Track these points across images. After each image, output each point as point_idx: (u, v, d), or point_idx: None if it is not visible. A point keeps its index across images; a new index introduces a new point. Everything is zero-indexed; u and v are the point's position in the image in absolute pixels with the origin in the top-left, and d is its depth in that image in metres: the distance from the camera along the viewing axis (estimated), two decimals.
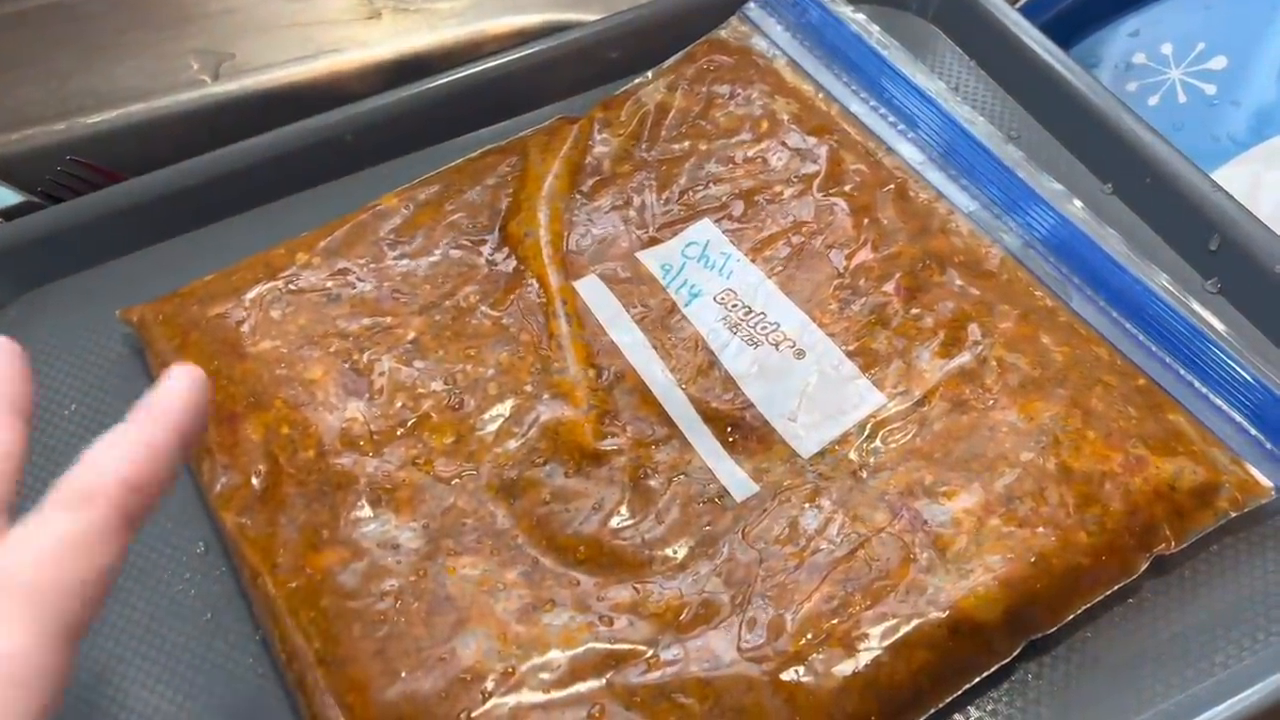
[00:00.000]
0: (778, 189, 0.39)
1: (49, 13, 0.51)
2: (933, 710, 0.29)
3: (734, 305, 0.36)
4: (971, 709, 0.30)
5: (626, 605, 0.30)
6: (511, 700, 0.28)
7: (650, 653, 0.29)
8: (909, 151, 0.40)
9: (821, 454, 0.33)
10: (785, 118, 0.41)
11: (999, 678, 0.30)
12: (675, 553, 0.31)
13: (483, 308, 0.36)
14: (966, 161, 0.39)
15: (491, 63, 0.43)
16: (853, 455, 0.33)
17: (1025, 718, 0.30)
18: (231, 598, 0.33)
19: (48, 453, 0.36)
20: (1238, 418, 0.33)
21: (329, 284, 0.37)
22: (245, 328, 0.36)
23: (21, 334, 0.39)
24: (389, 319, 0.36)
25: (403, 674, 0.29)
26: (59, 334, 0.39)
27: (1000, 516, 0.30)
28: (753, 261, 0.37)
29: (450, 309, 0.36)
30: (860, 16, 0.43)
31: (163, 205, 0.41)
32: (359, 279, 0.37)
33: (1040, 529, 0.30)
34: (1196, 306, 0.35)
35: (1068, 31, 0.52)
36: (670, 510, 0.32)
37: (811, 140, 0.40)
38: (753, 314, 0.36)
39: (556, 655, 0.29)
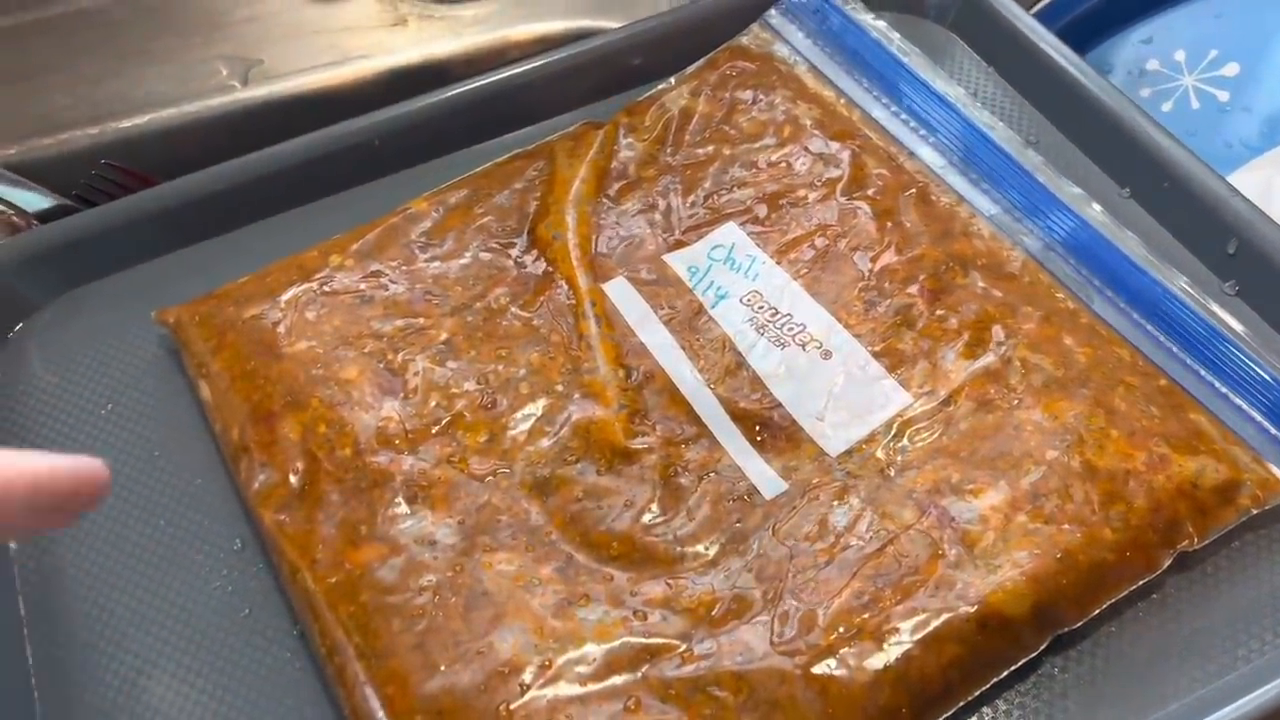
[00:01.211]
0: (801, 193, 0.39)
1: (76, 20, 0.52)
2: (962, 703, 0.30)
3: (760, 307, 0.37)
4: (999, 702, 0.30)
5: (660, 600, 0.31)
6: (549, 693, 0.29)
7: (684, 647, 0.30)
8: (930, 156, 0.40)
9: (849, 453, 0.33)
10: (808, 123, 0.41)
11: (1026, 671, 0.30)
12: (707, 549, 0.32)
13: (513, 309, 0.37)
14: (987, 166, 0.40)
15: (516, 69, 0.44)
16: (880, 454, 0.33)
17: (1052, 711, 0.30)
18: (269, 593, 0.34)
19: (84, 453, 0.37)
20: (1257, 417, 0.34)
21: (362, 286, 0.38)
22: (281, 329, 0.36)
23: (57, 335, 0.40)
24: (422, 320, 0.37)
25: (442, 667, 0.30)
26: (94, 335, 0.40)
27: (1027, 513, 0.31)
28: (778, 264, 0.38)
29: (481, 310, 0.37)
30: (880, 23, 0.44)
31: (194, 209, 0.41)
32: (391, 281, 0.38)
33: (1066, 526, 0.31)
34: (1216, 308, 0.36)
35: (1081, 38, 0.52)
36: (701, 507, 0.33)
37: (834, 145, 0.40)
38: (779, 315, 0.36)
39: (592, 649, 0.30)
